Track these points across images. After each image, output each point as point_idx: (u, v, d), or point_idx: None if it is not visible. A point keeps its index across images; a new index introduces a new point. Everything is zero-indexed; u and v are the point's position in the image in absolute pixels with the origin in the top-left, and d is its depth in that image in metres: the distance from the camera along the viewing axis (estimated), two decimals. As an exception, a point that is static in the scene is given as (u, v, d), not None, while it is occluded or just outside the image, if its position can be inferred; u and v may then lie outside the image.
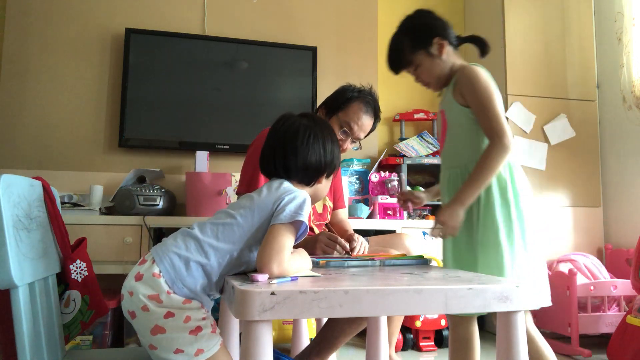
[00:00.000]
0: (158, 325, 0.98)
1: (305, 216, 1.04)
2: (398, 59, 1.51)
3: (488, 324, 2.90)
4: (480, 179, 1.31)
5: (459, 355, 1.45)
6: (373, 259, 1.29)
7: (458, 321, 1.46)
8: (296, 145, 1.15)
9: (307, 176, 1.18)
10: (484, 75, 1.39)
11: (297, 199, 1.06)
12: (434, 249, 2.64)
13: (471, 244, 1.38)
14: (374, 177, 2.92)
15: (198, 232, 1.05)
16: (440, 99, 1.54)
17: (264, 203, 1.07)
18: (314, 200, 1.22)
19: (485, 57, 1.48)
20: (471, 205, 1.35)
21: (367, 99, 1.83)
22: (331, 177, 1.26)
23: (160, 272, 1.00)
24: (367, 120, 1.83)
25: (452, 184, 1.45)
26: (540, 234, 1.39)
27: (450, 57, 1.47)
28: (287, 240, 1.00)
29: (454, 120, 1.45)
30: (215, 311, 1.23)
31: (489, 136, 1.34)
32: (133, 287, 1.00)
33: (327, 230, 1.95)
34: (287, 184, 1.13)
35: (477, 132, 1.38)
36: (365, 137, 1.89)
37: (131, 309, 1.01)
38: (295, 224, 1.03)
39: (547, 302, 1.34)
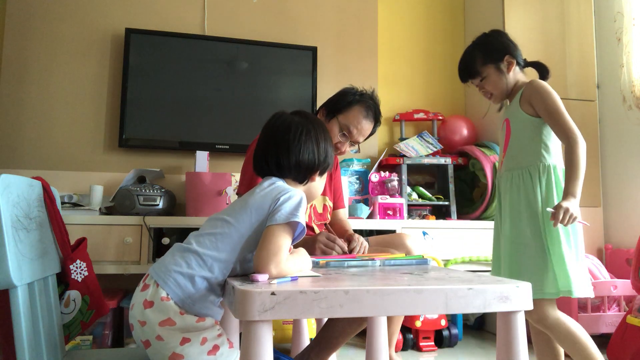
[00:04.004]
0: (175, 352, 0.97)
1: (301, 217, 1.02)
2: (467, 69, 1.70)
3: (488, 324, 2.90)
4: (579, 173, 1.49)
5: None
6: (373, 259, 1.29)
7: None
8: (288, 142, 1.13)
9: (300, 174, 1.16)
10: (550, 88, 1.59)
11: (293, 199, 1.04)
12: (434, 249, 2.65)
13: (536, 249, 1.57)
14: (374, 177, 2.92)
15: (197, 246, 1.02)
16: (504, 110, 1.76)
17: (259, 203, 1.05)
18: (309, 199, 1.21)
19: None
20: (534, 213, 1.56)
21: (368, 103, 1.82)
22: (325, 175, 1.25)
23: (167, 294, 0.98)
24: (366, 125, 1.83)
25: (514, 184, 1.65)
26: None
27: (517, 74, 1.69)
28: (283, 241, 0.99)
29: (518, 128, 1.65)
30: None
31: (565, 137, 1.53)
32: (144, 315, 0.98)
33: (326, 230, 1.95)
34: (280, 183, 1.12)
35: (537, 139, 1.61)
36: (365, 140, 1.89)
37: (144, 339, 0.99)
38: (291, 225, 1.02)
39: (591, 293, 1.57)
